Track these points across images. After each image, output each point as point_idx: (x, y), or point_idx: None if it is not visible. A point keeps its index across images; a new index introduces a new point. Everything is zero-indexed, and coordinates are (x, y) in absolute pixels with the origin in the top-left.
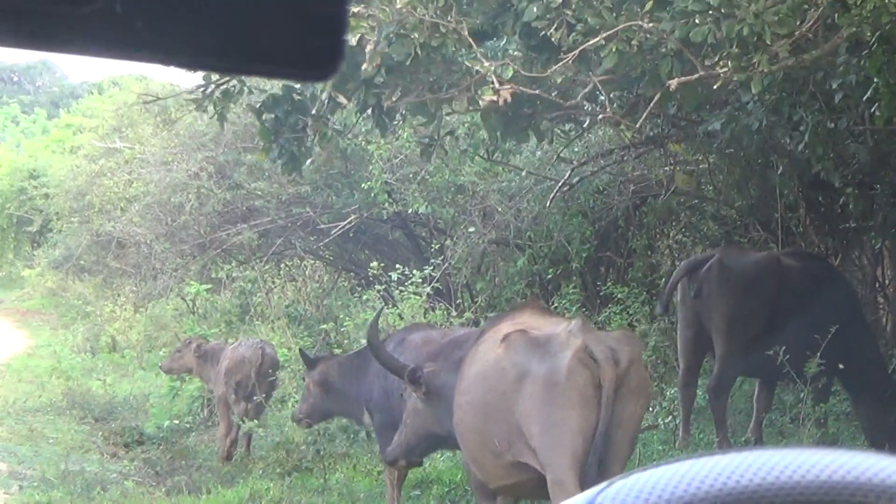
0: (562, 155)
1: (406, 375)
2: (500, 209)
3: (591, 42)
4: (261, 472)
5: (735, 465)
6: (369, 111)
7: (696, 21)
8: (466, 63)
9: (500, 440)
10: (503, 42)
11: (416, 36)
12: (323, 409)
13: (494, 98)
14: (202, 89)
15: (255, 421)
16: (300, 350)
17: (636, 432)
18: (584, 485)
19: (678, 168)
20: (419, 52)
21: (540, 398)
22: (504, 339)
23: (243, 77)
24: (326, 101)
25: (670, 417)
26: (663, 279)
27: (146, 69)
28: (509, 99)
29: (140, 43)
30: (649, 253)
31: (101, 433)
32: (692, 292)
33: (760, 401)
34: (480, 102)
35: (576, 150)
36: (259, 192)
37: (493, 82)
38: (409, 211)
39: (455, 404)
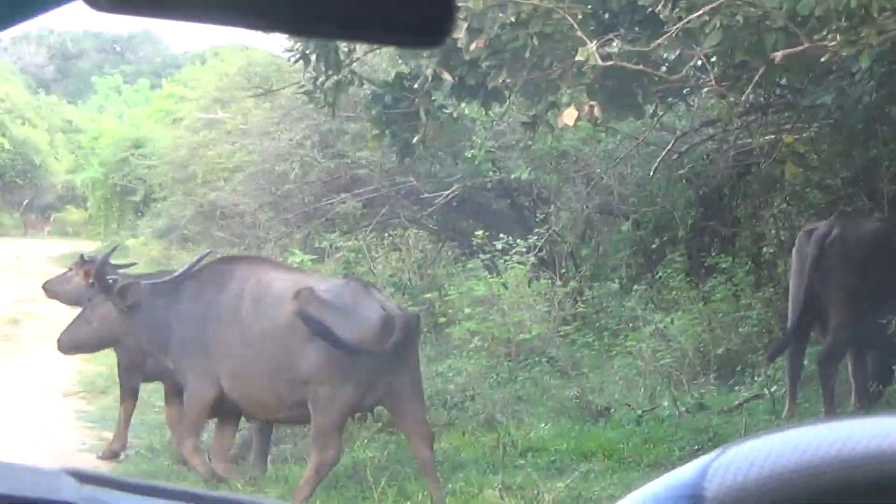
0: (665, 121)
1: None
2: (603, 175)
3: (695, 16)
4: (366, 440)
5: (849, 433)
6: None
7: None
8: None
9: None
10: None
11: (532, 24)
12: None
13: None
14: (314, 80)
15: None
16: None
17: None
18: None
19: (790, 160)
20: (534, 40)
21: None
22: None
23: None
24: (430, 78)
25: (775, 387)
26: (769, 249)
27: (249, 38)
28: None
29: (247, 9)
30: (754, 222)
31: None
32: (811, 262)
33: (857, 372)
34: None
35: (680, 116)
36: (363, 161)
37: (596, 60)
38: (513, 177)
39: None
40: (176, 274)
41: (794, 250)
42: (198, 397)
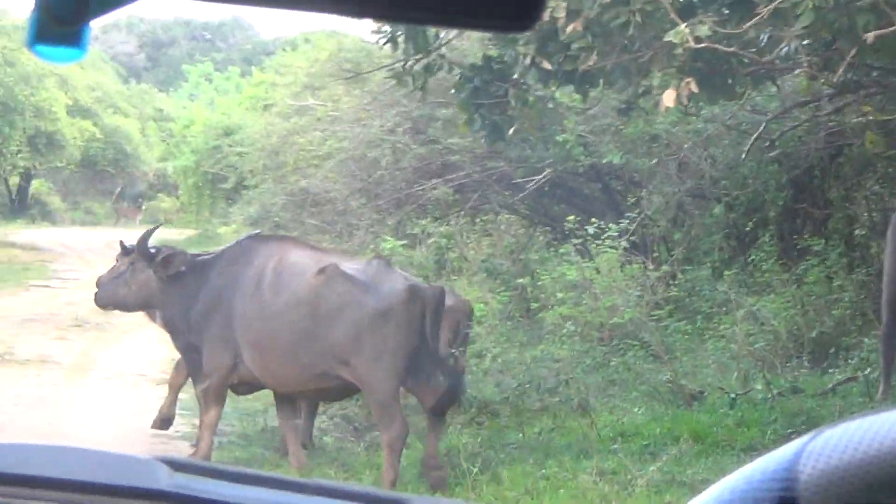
0: (756, 103)
1: None
2: (695, 158)
3: None
4: (460, 425)
5: None
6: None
7: None
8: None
9: None
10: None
11: (633, 1)
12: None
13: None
14: (402, 63)
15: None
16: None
17: None
18: None
19: (871, 129)
20: (636, 17)
21: None
22: None
23: (438, 40)
24: (529, 66)
25: (869, 369)
26: (861, 231)
27: (339, 24)
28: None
29: None
30: (846, 204)
31: None
32: None
33: None
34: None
35: (771, 97)
36: (454, 147)
37: (688, 41)
38: (604, 162)
39: None
40: (217, 250)
41: (888, 232)
42: (216, 367)
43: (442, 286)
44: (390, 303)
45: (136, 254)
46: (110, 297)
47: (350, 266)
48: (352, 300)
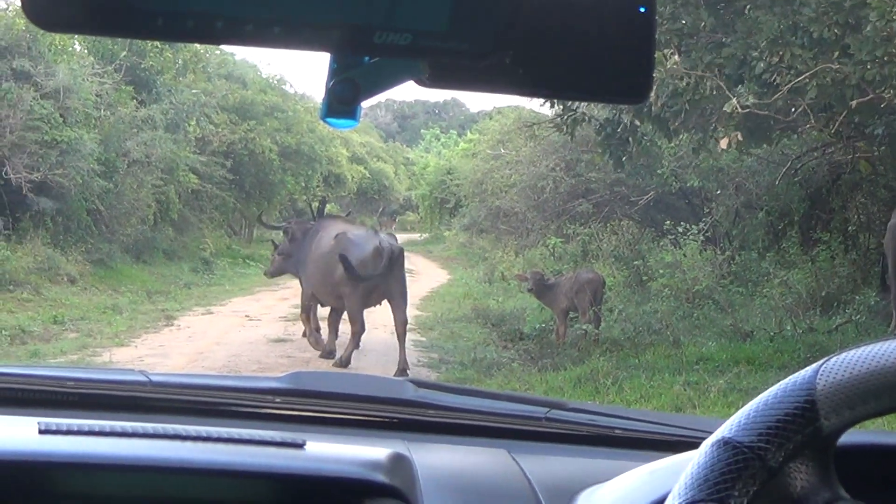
0: (785, 145)
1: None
2: (746, 183)
3: (798, 80)
4: (598, 355)
5: None
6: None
7: (868, 66)
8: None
9: None
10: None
11: (685, 94)
12: (280, 269)
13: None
14: (559, 117)
15: (590, 325)
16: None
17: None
18: None
19: (861, 159)
20: (687, 106)
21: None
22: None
23: (582, 104)
24: (629, 123)
25: (859, 316)
26: (853, 227)
27: (518, 100)
28: (740, 110)
29: (515, 82)
30: (843, 210)
31: (495, 333)
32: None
33: None
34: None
35: (793, 142)
36: (593, 178)
37: (737, 107)
38: (688, 185)
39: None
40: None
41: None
42: (304, 295)
43: (401, 246)
44: (363, 257)
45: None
46: (271, 271)
47: (354, 234)
48: (345, 253)
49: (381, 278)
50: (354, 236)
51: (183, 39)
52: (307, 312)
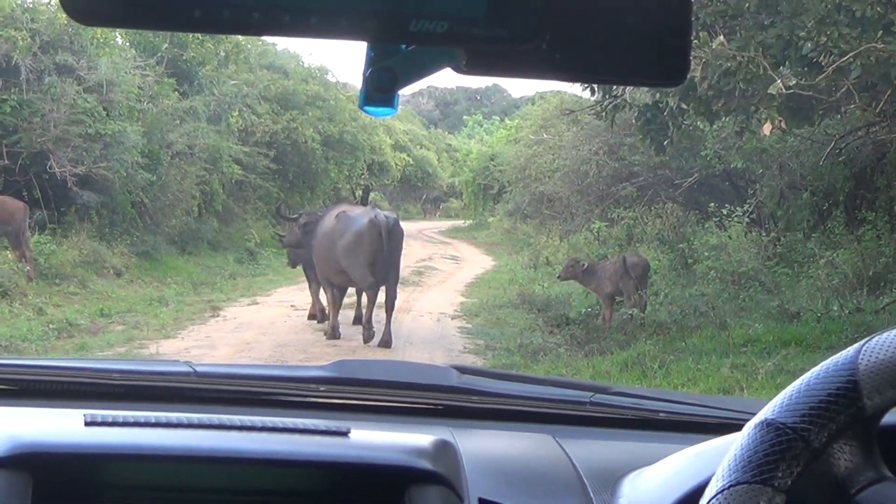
0: (828, 125)
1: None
2: (790, 163)
3: (843, 59)
4: (645, 338)
5: None
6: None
7: None
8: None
9: None
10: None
11: (738, 74)
12: (294, 258)
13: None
14: (600, 104)
15: (636, 309)
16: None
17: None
18: None
19: None
20: (741, 84)
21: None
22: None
23: (624, 90)
24: (675, 107)
25: None
26: None
27: (560, 86)
28: (784, 90)
29: (552, 67)
30: (889, 189)
31: (541, 319)
32: None
33: None
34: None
35: (837, 122)
36: (636, 162)
37: (781, 88)
38: (731, 167)
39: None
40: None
41: None
42: (319, 279)
43: (396, 217)
44: (359, 230)
45: (296, 222)
46: (289, 259)
47: (354, 212)
48: (345, 230)
49: (378, 250)
50: (353, 213)
51: (220, 31)
52: (316, 296)
